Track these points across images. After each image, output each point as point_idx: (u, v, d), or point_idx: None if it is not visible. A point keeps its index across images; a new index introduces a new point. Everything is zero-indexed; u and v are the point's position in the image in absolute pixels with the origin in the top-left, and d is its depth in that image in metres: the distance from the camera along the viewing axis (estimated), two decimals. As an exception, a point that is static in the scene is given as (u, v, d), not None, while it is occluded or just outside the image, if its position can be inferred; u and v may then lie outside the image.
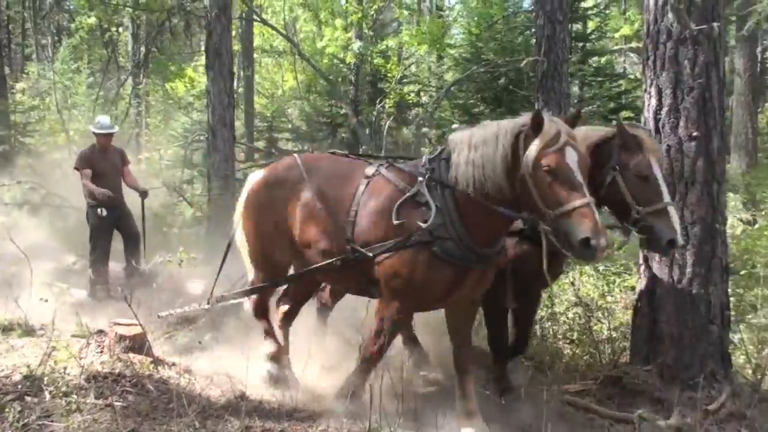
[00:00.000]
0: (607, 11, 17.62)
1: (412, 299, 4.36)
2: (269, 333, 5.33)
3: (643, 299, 5.70)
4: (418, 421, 4.43)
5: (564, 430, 4.58)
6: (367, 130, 17.79)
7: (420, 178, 4.26)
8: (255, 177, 5.28)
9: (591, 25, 16.79)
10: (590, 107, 14.45)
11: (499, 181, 3.98)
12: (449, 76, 18.32)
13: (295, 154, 5.12)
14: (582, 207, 3.71)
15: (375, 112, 18.41)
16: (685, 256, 5.44)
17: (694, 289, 5.42)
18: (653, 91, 5.62)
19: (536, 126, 3.82)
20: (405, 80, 20.04)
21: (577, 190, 3.76)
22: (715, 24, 5.42)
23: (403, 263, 4.22)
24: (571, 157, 3.81)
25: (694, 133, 5.41)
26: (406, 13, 23.10)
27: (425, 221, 4.12)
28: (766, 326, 5.26)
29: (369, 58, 18.69)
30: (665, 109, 5.53)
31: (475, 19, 17.06)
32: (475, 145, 4.09)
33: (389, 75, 18.92)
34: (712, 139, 5.46)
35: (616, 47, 18.01)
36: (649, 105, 5.67)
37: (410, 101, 20.07)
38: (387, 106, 19.13)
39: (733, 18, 14.34)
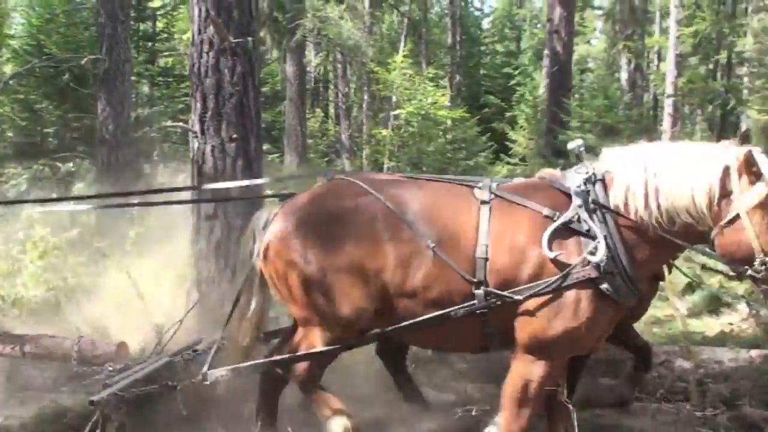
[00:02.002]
0: (175, 12, 18.02)
1: (569, 349, 3.63)
2: (335, 405, 3.90)
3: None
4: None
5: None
6: None
7: (578, 201, 3.51)
8: (294, 211, 3.89)
9: (159, 25, 17.06)
10: (158, 107, 14.78)
11: (696, 213, 3.40)
12: (8, 69, 17.08)
13: (349, 177, 3.98)
14: None
15: None
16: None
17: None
18: (198, 96, 6.11)
19: (754, 164, 3.34)
20: (-44, 70, 18.15)
21: None
22: (249, 38, 6.10)
23: (563, 305, 3.45)
24: None
25: (234, 136, 6.03)
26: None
27: (591, 253, 3.41)
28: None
29: None
30: (209, 113, 6.05)
31: (36, 9, 16.19)
32: (657, 172, 3.47)
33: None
34: (249, 140, 6.13)
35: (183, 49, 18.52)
36: (195, 108, 6.16)
37: (-38, 94, 18.24)
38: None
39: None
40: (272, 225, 3.87)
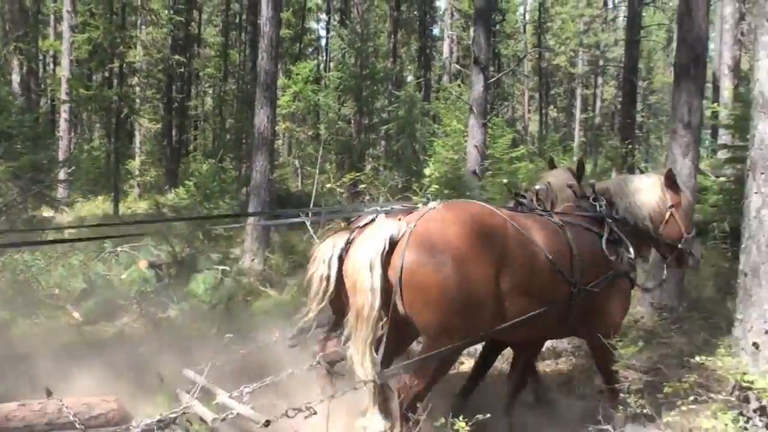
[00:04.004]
0: None
1: (623, 318, 5.38)
2: None
3: None
4: None
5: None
6: None
7: (609, 220, 5.25)
8: (439, 228, 4.29)
9: None
10: None
11: (656, 215, 5.49)
12: None
13: (475, 202, 4.84)
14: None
15: None
16: None
17: None
18: None
19: (675, 180, 5.60)
20: None
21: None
22: None
23: (619, 291, 5.14)
24: None
25: None
26: None
27: (627, 254, 5.14)
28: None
29: None
30: None
31: None
32: (630, 193, 5.51)
33: None
34: None
35: None
36: None
37: None
38: None
39: None
40: (415, 242, 4.20)
